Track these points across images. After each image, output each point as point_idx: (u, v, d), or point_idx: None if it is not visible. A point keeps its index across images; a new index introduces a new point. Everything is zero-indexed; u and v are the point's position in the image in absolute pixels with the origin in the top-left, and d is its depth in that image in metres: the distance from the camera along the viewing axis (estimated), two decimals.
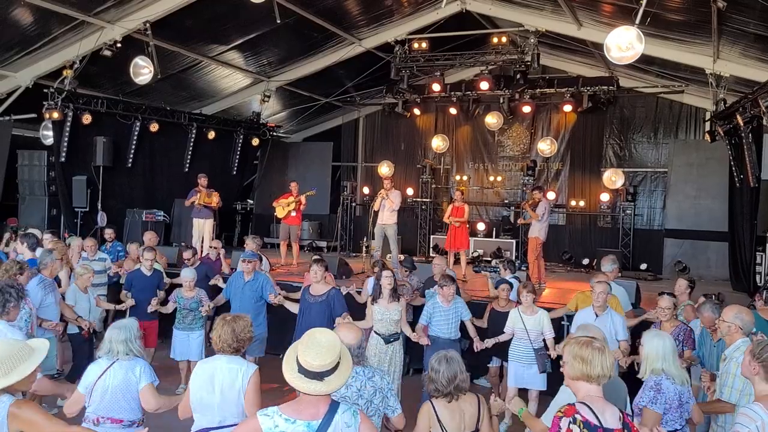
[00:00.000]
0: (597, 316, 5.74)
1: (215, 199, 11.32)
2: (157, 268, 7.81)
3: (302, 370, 2.57)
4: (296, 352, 2.62)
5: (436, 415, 3.43)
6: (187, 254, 8.69)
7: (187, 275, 7.15)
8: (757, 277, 10.24)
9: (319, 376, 2.56)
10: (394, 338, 6.18)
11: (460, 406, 3.46)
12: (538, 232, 10.16)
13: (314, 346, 2.59)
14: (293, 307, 6.68)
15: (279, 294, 6.97)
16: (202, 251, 10.43)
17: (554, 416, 2.82)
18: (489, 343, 6.35)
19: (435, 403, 3.48)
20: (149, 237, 9.72)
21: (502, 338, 6.38)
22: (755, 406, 3.08)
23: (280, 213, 11.71)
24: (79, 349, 6.74)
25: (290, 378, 2.60)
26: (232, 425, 3.43)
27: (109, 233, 9.95)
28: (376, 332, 6.21)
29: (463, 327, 6.57)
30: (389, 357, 6.11)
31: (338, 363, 2.62)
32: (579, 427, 2.72)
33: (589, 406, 2.76)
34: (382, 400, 3.53)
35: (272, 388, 6.13)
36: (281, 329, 7.60)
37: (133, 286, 7.44)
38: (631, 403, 3.88)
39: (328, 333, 2.70)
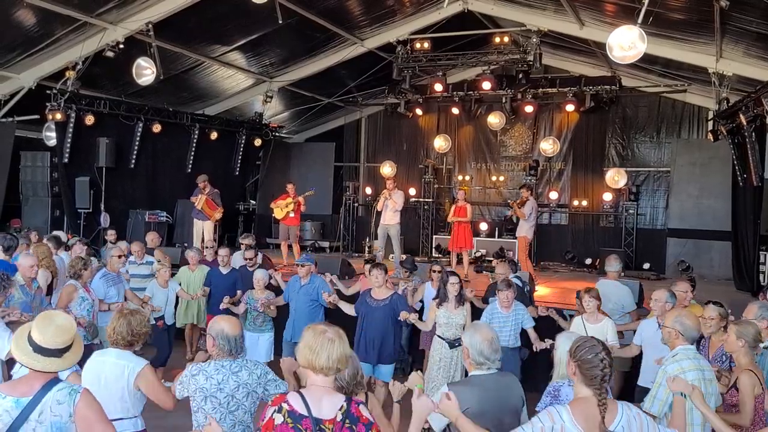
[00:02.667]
0: (659, 325, 5.12)
1: (217, 216, 11.38)
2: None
3: (39, 349, 2.70)
4: (26, 334, 2.75)
5: None
6: (249, 254, 8.38)
7: (259, 276, 7.14)
8: (761, 277, 10.20)
9: (58, 353, 2.73)
10: (459, 343, 5.94)
11: None
12: (526, 231, 10.19)
13: (52, 326, 2.76)
14: (349, 309, 6.56)
15: (333, 293, 6.80)
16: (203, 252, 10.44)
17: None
18: (549, 343, 5.67)
19: None
20: (152, 237, 9.74)
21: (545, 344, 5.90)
22: (561, 408, 2.81)
23: (278, 214, 11.72)
24: (158, 339, 7.12)
25: (24, 358, 2.71)
26: (115, 420, 3.48)
27: (111, 234, 9.97)
28: (440, 336, 6.14)
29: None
30: (454, 362, 6.02)
31: (73, 341, 2.82)
32: (284, 416, 2.64)
33: (302, 395, 2.69)
34: (248, 396, 3.47)
35: None
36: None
37: (212, 284, 7.58)
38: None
39: (63, 315, 2.93)
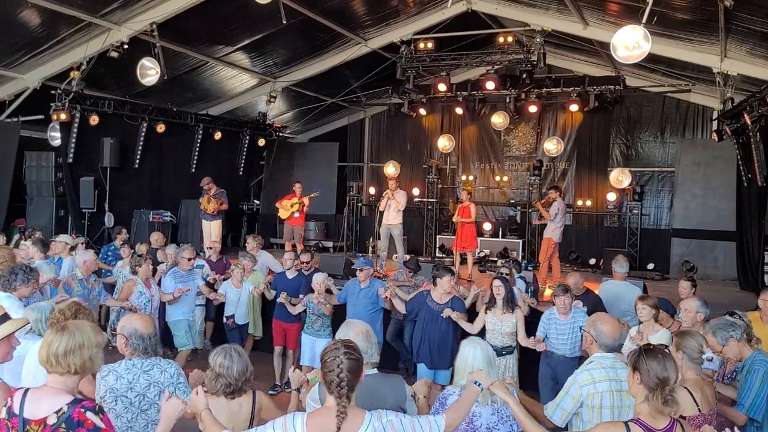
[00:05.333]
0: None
1: (211, 207, 11.39)
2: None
3: None
4: None
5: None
6: (305, 257, 8.24)
7: (319, 279, 7.10)
8: (766, 277, 10.17)
9: None
10: (507, 351, 5.89)
11: (230, 405, 3.27)
12: (551, 232, 10.16)
13: None
14: (400, 305, 6.48)
15: (389, 288, 6.69)
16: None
17: None
18: None
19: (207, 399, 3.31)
20: (156, 238, 9.77)
21: None
22: (298, 416, 2.66)
23: (283, 214, 11.74)
24: (229, 335, 7.69)
25: None
26: None
27: (124, 234, 9.95)
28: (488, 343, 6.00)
29: None
30: (501, 371, 5.79)
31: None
32: (6, 411, 2.63)
33: (24, 393, 2.64)
34: (159, 394, 3.41)
35: None
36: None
37: (277, 288, 7.59)
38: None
39: None
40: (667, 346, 3.28)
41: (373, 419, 2.65)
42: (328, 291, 7.53)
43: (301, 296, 7.37)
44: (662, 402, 2.81)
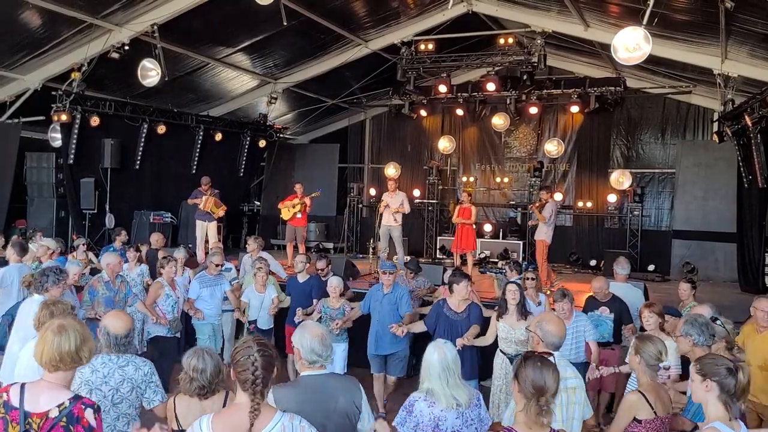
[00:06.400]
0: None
1: (221, 213, 11.36)
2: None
3: None
4: None
5: (174, 411, 3.28)
6: (321, 264, 8.15)
7: (335, 283, 6.97)
8: (766, 279, 10.18)
9: None
10: None
11: (203, 404, 3.26)
12: (544, 234, 10.08)
13: None
14: (420, 327, 6.16)
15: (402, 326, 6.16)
16: (205, 253, 10.42)
17: None
18: (605, 371, 5.29)
19: (177, 398, 3.30)
20: (156, 238, 9.75)
21: (623, 369, 5.32)
22: (205, 418, 2.63)
23: (285, 215, 11.71)
24: None
25: None
26: None
27: (123, 235, 9.96)
28: (502, 351, 5.70)
29: None
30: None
31: None
32: (1, 405, 2.68)
33: (22, 387, 2.69)
34: (132, 390, 3.51)
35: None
36: (423, 347, 7.40)
37: (290, 292, 7.54)
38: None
39: None
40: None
41: (284, 419, 2.64)
42: (343, 295, 7.43)
43: (315, 301, 7.24)
44: (536, 412, 2.72)
